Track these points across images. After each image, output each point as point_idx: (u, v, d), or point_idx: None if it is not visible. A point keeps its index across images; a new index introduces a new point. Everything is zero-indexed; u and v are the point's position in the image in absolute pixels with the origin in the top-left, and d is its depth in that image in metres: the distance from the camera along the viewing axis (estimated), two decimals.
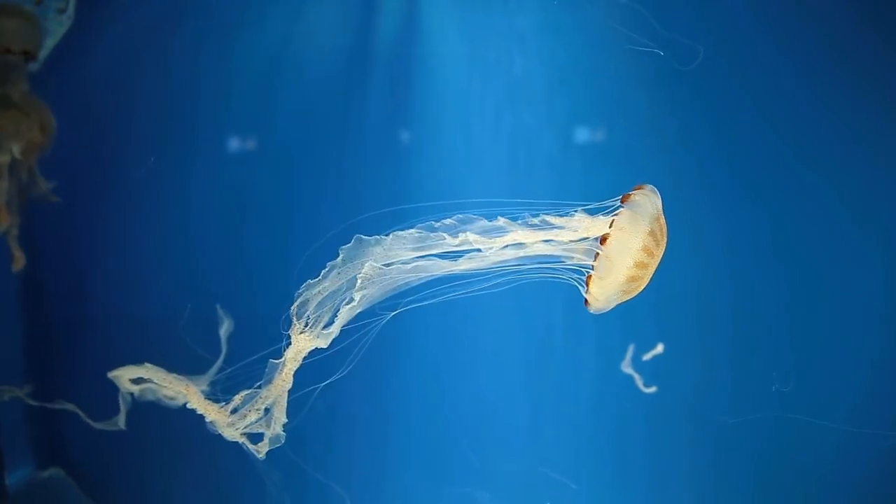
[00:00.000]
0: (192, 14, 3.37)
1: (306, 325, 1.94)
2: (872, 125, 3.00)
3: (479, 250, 1.89)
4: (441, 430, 3.39)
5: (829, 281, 3.04)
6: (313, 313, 1.95)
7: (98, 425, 2.75)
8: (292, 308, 1.94)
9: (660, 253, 1.83)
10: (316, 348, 1.97)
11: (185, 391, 2.11)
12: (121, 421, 2.63)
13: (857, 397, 2.99)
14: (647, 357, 2.76)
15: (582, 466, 3.27)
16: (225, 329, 2.60)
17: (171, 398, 2.32)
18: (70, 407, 2.90)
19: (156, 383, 2.21)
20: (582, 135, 3.33)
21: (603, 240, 1.78)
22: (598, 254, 1.79)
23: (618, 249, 1.77)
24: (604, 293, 1.82)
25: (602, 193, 3.23)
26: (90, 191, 3.36)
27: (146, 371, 2.21)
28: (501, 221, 1.86)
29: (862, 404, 2.99)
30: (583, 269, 1.84)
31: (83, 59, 3.35)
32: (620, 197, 1.81)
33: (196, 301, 3.29)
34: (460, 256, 1.90)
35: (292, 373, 1.97)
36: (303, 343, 1.94)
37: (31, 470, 3.42)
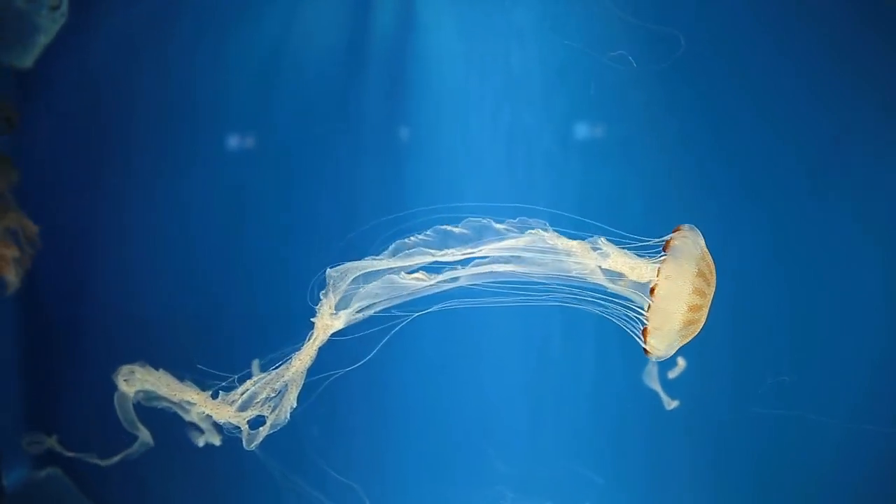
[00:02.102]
0: (188, 12, 3.35)
1: (334, 304, 1.93)
2: (872, 124, 3.01)
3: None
4: (443, 430, 3.40)
5: (829, 281, 3.05)
6: (342, 294, 1.93)
7: (130, 451, 2.73)
8: (330, 272, 1.92)
9: (711, 291, 1.78)
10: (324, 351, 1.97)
11: (194, 398, 2.09)
12: (145, 437, 2.60)
13: (857, 397, 3.01)
14: (672, 375, 2.76)
15: (582, 466, 3.28)
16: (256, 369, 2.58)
17: (173, 404, 2.30)
18: (97, 459, 2.89)
19: (164, 392, 2.18)
20: (581, 132, 3.32)
21: (651, 290, 1.74)
22: (649, 305, 1.75)
23: (669, 297, 1.73)
24: (664, 343, 1.77)
25: (602, 193, 3.26)
26: (88, 190, 3.34)
27: (157, 378, 2.19)
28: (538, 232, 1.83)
29: (862, 404, 3.01)
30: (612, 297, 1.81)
31: (77, 57, 3.33)
32: (663, 245, 1.77)
33: (196, 301, 3.29)
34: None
35: (316, 349, 1.96)
36: (328, 319, 1.93)
37: (28, 469, 3.41)
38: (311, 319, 1.95)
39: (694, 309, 1.74)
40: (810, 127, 3.04)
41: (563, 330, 3.27)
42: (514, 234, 1.86)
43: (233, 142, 3.35)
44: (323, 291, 1.94)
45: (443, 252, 1.88)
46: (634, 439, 3.27)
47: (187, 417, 2.36)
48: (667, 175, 3.14)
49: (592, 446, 3.30)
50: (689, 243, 1.76)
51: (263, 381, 2.01)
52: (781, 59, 3.07)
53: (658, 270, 1.74)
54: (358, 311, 1.93)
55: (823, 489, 3.11)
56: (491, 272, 1.86)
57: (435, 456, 3.41)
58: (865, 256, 3.01)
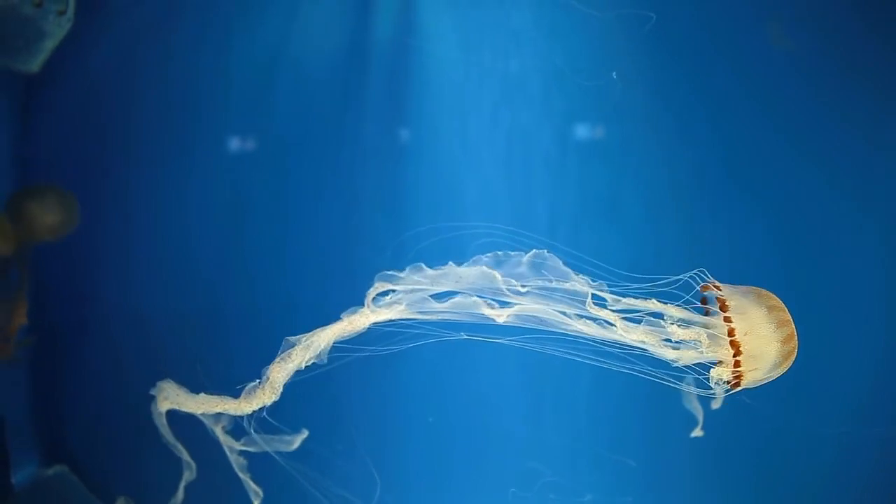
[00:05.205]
0: (191, 14, 3.38)
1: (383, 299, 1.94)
2: (873, 122, 2.99)
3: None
4: (443, 428, 3.40)
5: (830, 280, 3.03)
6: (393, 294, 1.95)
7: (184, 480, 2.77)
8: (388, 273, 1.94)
9: (789, 315, 1.77)
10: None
11: (228, 406, 2.11)
12: (187, 458, 2.63)
13: (857, 397, 2.99)
14: (715, 406, 2.76)
15: (581, 466, 3.28)
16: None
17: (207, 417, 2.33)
18: None
19: (202, 410, 2.20)
20: (579, 133, 3.32)
21: (735, 348, 1.73)
22: (738, 359, 1.73)
23: (758, 346, 1.73)
24: (758, 376, 1.77)
25: (601, 195, 3.25)
26: (92, 192, 3.37)
27: (194, 400, 2.21)
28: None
29: (862, 404, 2.98)
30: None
31: (83, 60, 3.36)
32: (719, 306, 1.76)
33: (196, 301, 3.31)
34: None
35: (353, 330, 1.97)
36: (377, 308, 1.94)
37: (36, 468, 3.44)
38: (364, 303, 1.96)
39: (787, 340, 1.74)
40: (810, 125, 3.03)
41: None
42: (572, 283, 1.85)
43: (234, 143, 3.37)
44: (375, 285, 1.95)
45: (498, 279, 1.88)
46: (635, 440, 3.26)
47: (211, 427, 2.39)
48: (665, 173, 3.14)
49: (592, 446, 3.29)
50: (738, 296, 1.76)
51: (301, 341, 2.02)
52: (781, 55, 3.06)
53: (730, 330, 1.74)
54: (404, 312, 1.94)
55: (823, 489, 3.09)
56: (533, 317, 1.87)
57: (432, 453, 3.42)
58: (866, 256, 2.99)
